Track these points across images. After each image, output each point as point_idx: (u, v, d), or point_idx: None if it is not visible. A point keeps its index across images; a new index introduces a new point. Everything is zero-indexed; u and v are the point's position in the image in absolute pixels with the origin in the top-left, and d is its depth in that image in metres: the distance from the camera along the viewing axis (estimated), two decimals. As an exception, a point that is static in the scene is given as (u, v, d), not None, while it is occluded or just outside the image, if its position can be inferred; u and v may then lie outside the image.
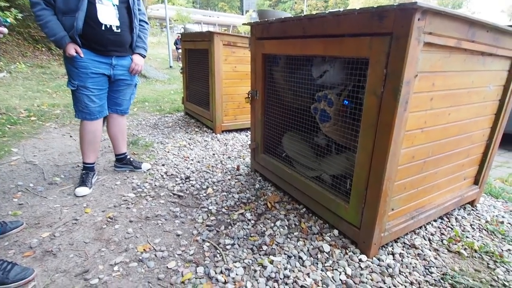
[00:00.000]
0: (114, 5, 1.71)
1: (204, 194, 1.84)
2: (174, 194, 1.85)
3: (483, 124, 1.56)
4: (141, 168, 2.15)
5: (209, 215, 1.61)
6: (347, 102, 1.43)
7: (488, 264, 1.31)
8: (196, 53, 3.28)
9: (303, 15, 1.35)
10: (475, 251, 1.40)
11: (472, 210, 1.76)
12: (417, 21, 0.94)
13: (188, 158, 2.42)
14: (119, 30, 1.74)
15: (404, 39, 0.97)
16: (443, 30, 1.04)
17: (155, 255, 1.29)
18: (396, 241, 1.40)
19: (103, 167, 2.19)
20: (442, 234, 1.51)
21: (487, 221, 1.65)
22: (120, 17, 1.74)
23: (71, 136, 2.79)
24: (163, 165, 2.27)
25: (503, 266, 1.30)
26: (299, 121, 1.72)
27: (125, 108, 2.02)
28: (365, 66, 1.17)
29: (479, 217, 1.69)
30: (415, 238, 1.44)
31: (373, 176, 1.17)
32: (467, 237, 1.49)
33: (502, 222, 1.65)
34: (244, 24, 1.87)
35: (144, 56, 1.95)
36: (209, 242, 1.38)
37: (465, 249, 1.41)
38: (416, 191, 1.38)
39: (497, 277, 1.23)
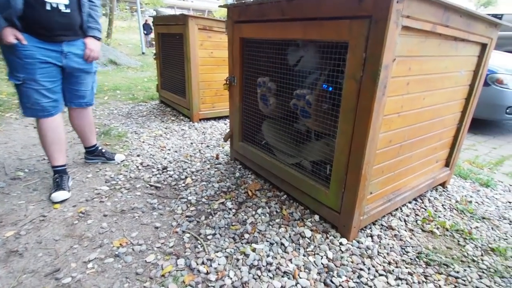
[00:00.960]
0: None
1: (183, 185, 1.79)
2: (151, 185, 1.78)
3: (454, 108, 1.61)
4: (114, 160, 2.04)
5: (189, 205, 1.57)
6: (326, 86, 1.42)
7: (458, 241, 1.38)
8: (170, 38, 3.13)
9: (281, -4, 1.30)
10: (447, 229, 1.47)
11: (443, 191, 1.85)
12: (395, 4, 0.93)
13: (165, 148, 2.34)
14: (68, 10, 1.47)
15: (383, 22, 0.96)
16: (420, 14, 1.04)
17: (133, 249, 1.24)
18: (374, 224, 1.44)
19: (72, 159, 2.07)
20: (417, 215, 1.57)
21: (457, 201, 1.73)
22: None
23: (35, 127, 2.60)
24: (138, 155, 2.17)
25: (472, 243, 1.37)
26: (279, 107, 1.70)
27: (90, 99, 1.80)
28: (344, 50, 1.15)
29: (449, 197, 1.77)
30: (391, 220, 1.49)
31: (352, 160, 1.18)
32: (439, 217, 1.56)
33: (470, 202, 1.74)
34: (220, 6, 1.79)
35: (99, 39, 1.69)
36: (189, 233, 1.35)
37: (437, 228, 1.47)
38: (392, 175, 1.41)
39: (467, 253, 1.30)
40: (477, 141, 3.00)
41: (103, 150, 2.04)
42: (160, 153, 2.22)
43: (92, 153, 2.00)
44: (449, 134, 1.71)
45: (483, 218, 1.59)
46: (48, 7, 1.40)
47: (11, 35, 1.35)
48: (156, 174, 1.91)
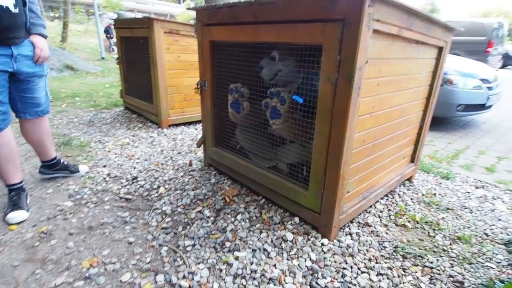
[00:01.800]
0: None
1: (156, 195, 1.71)
2: (120, 197, 1.67)
3: (417, 107, 1.72)
4: (79, 172, 1.89)
5: (164, 216, 1.49)
6: (296, 97, 1.43)
7: (429, 232, 1.46)
8: (133, 42, 3.00)
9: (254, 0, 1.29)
10: (417, 222, 1.55)
11: (410, 185, 1.95)
12: (367, 7, 0.96)
13: (133, 156, 2.22)
14: (16, 10, 1.32)
15: (356, 25, 0.98)
16: (388, 18, 1.08)
17: (105, 269, 1.14)
18: (352, 222, 1.48)
19: (29, 173, 1.88)
20: (389, 210, 1.63)
21: (423, 194, 1.84)
22: None
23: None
24: (104, 166, 2.03)
25: (440, 233, 1.46)
26: (251, 114, 1.69)
27: (46, 106, 1.62)
28: (318, 52, 1.17)
29: (416, 191, 1.88)
30: (367, 217, 1.53)
31: (331, 161, 1.20)
32: (409, 210, 1.65)
33: (434, 194, 1.86)
34: (189, 9, 1.74)
35: (46, 36, 1.52)
36: (166, 246, 1.28)
37: (409, 221, 1.55)
38: (367, 173, 1.46)
39: (437, 243, 1.38)
40: (434, 137, 3.23)
41: (65, 163, 1.87)
42: (129, 163, 2.10)
43: (53, 167, 1.81)
44: (413, 132, 1.81)
45: (448, 209, 1.70)
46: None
47: None
48: (125, 185, 1.80)
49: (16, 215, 1.40)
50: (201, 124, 3.12)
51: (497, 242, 1.43)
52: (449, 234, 1.46)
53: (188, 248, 1.26)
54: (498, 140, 3.20)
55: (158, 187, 1.79)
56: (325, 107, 1.15)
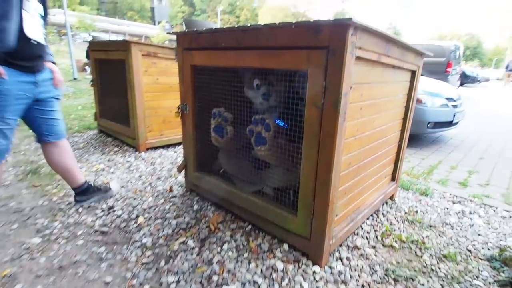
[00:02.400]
0: (40, 16, 1.39)
1: (135, 225, 1.60)
2: (95, 230, 1.55)
3: (395, 128, 1.77)
4: (112, 189, 1.89)
5: (144, 250, 1.39)
6: (279, 122, 1.43)
7: (416, 252, 1.47)
8: (109, 64, 2.91)
9: (236, 26, 1.30)
10: (404, 242, 1.56)
11: (392, 204, 1.98)
12: (350, 36, 0.99)
13: (109, 184, 2.09)
14: (45, 42, 1.44)
15: (340, 53, 1.00)
16: (368, 45, 1.12)
17: (79, 316, 1.03)
18: (341, 245, 1.45)
19: (-11, 208, 1.71)
20: (376, 230, 1.64)
21: (405, 212, 1.87)
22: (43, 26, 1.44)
23: None
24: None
25: (427, 252, 1.47)
26: (235, 138, 1.66)
27: (64, 129, 1.70)
28: (303, 78, 1.18)
29: (399, 209, 1.91)
30: (356, 239, 1.52)
31: (319, 185, 1.18)
32: (395, 230, 1.66)
33: (416, 212, 1.89)
34: (169, 33, 1.72)
35: (54, 63, 1.62)
36: (148, 284, 1.18)
37: (396, 241, 1.55)
38: (353, 195, 1.46)
39: (425, 263, 1.39)
40: (409, 154, 3.36)
41: (97, 184, 1.85)
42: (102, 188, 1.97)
43: (86, 192, 1.78)
44: (393, 151, 1.86)
45: (430, 226, 1.73)
46: (31, 42, 1.35)
47: None
48: (101, 216, 1.68)
49: None
50: (180, 146, 3.05)
51: (480, 258, 1.46)
52: (435, 253, 1.47)
53: (172, 286, 1.17)
54: (466, 155, 3.38)
55: (137, 216, 1.68)
56: (312, 131, 1.15)
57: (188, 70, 1.65)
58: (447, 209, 1.97)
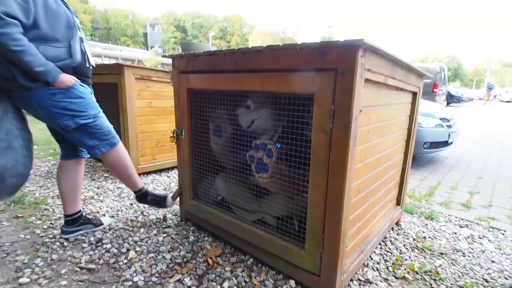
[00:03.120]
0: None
1: (125, 261, 1.46)
2: (81, 268, 1.40)
3: (399, 150, 1.72)
4: (103, 224, 1.76)
5: (136, 291, 1.25)
6: (279, 146, 1.37)
7: (431, 284, 1.37)
8: (101, 88, 2.83)
9: (236, 48, 1.25)
10: (416, 272, 1.45)
11: (399, 229, 1.89)
12: (360, 58, 0.94)
13: (98, 213, 1.95)
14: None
15: (350, 75, 0.95)
16: (377, 67, 1.08)
17: None
18: (352, 280, 1.34)
19: (-38, 245, 1.54)
20: (386, 261, 1.53)
21: (414, 239, 1.78)
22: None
23: None
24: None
25: (443, 284, 1.37)
26: (234, 160, 1.58)
27: None
28: (308, 101, 1.13)
29: (406, 235, 1.82)
30: (366, 272, 1.41)
31: (330, 215, 1.09)
32: (406, 259, 1.56)
33: (424, 238, 1.80)
34: (164, 56, 1.67)
35: None
36: (140, 333, 1.04)
37: (408, 272, 1.45)
38: (361, 223, 1.37)
39: (443, 297, 1.28)
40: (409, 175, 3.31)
41: (89, 216, 1.76)
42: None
43: (76, 222, 1.66)
44: (398, 175, 1.80)
45: (441, 254, 1.64)
46: (89, 66, 1.55)
47: (69, 77, 1.37)
48: (88, 251, 1.53)
49: None
50: (173, 171, 2.93)
51: (498, 289, 1.36)
52: (451, 284, 1.37)
53: (168, 335, 1.03)
54: (464, 175, 3.35)
55: (128, 250, 1.54)
56: (320, 157, 1.07)
57: (184, 93, 1.58)
58: (455, 233, 1.89)
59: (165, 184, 2.56)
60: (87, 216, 1.75)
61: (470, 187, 2.92)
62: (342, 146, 1.01)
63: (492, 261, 1.59)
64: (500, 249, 1.72)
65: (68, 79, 1.36)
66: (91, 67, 1.58)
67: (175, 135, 1.71)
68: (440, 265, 1.53)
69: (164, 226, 1.80)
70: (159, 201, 1.79)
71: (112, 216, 1.91)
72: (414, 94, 1.71)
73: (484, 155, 4.39)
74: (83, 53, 1.48)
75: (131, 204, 2.10)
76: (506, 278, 1.45)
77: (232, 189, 1.65)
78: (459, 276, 1.45)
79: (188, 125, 1.63)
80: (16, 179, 1.37)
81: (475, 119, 9.97)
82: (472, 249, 1.71)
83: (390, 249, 1.64)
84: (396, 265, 1.50)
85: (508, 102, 23.23)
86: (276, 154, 1.29)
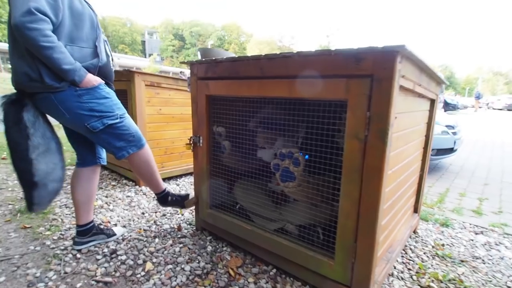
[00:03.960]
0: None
1: (142, 273, 1.41)
2: (97, 281, 1.35)
3: (418, 158, 1.71)
4: (116, 234, 1.71)
5: (159, 304, 1.21)
6: (307, 157, 1.35)
7: (458, 294, 1.35)
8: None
9: (262, 54, 1.24)
10: (441, 281, 1.43)
11: (416, 237, 1.87)
12: (398, 64, 0.93)
13: (109, 223, 1.90)
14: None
15: (387, 82, 0.94)
16: (409, 74, 1.08)
17: None
18: (380, 290, 1.31)
19: (-29, 258, 1.48)
20: (409, 269, 1.51)
21: (433, 246, 1.76)
22: None
23: None
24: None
25: (470, 293, 1.35)
26: (253, 167, 1.55)
27: None
28: (340, 108, 1.11)
29: (425, 243, 1.80)
30: (392, 281, 1.39)
31: (363, 225, 1.07)
32: (428, 267, 1.53)
33: (443, 245, 1.79)
34: (182, 62, 1.65)
35: None
36: None
37: (432, 281, 1.42)
38: (387, 232, 1.34)
39: (474, 307, 1.26)
40: (414, 181, 3.31)
41: (101, 226, 1.70)
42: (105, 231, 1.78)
43: (89, 232, 1.61)
44: (416, 182, 1.79)
45: (462, 261, 1.62)
46: (111, 66, 1.51)
47: (95, 77, 1.35)
48: (102, 263, 1.48)
49: None
50: (182, 179, 2.89)
51: (526, 298, 1.35)
52: (479, 294, 1.35)
53: None
54: (470, 181, 3.36)
55: (144, 262, 1.50)
56: (353, 165, 1.06)
57: (203, 100, 1.56)
58: (472, 240, 1.87)
59: (175, 191, 2.51)
60: (99, 226, 1.70)
61: (478, 193, 2.92)
62: (378, 154, 1.00)
63: (514, 269, 1.58)
64: (520, 256, 1.71)
65: (94, 78, 1.33)
66: (113, 70, 1.56)
67: (192, 142, 1.68)
68: (463, 273, 1.51)
69: (179, 236, 1.76)
70: (180, 201, 1.77)
71: (124, 226, 1.86)
72: (432, 101, 1.72)
73: (485, 162, 4.42)
74: (107, 55, 1.47)
75: (143, 213, 2.05)
76: (531, 286, 1.43)
77: (251, 197, 1.62)
78: (482, 284, 1.43)
79: (206, 133, 1.60)
80: (56, 184, 1.36)
81: (470, 126, 10.10)
82: (491, 256, 1.70)
83: (411, 257, 1.62)
84: (420, 273, 1.47)
85: (501, 109, 23.64)
86: (303, 163, 1.27)
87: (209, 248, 1.62)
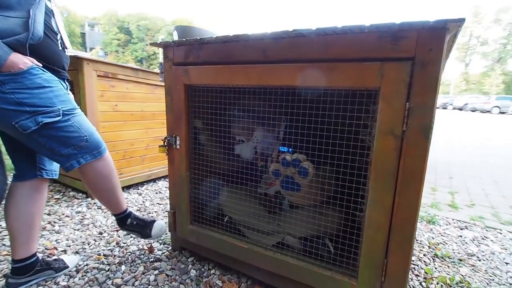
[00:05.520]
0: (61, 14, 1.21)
1: (109, 317, 1.07)
2: (45, 337, 0.98)
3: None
4: (68, 266, 1.32)
5: None
6: (290, 150, 1.16)
7: (472, 299, 1.26)
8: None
9: (267, 32, 0.99)
10: (449, 285, 1.34)
11: (409, 237, 1.79)
12: (446, 42, 0.77)
13: (56, 250, 1.48)
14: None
15: (433, 66, 0.77)
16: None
17: None
18: (400, 307, 1.16)
19: None
20: (417, 275, 1.40)
21: (429, 246, 1.69)
22: None
23: None
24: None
25: (483, 297, 1.28)
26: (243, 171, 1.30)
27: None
28: (367, 98, 0.92)
29: (420, 243, 1.73)
30: (408, 293, 1.25)
31: (396, 238, 0.89)
32: (434, 271, 1.44)
33: (438, 244, 1.73)
34: (153, 44, 1.32)
35: None
36: None
37: (442, 286, 1.33)
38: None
39: (494, 314, 1.18)
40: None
41: (47, 259, 1.29)
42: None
43: (29, 270, 1.19)
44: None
45: (460, 260, 1.57)
46: (59, 42, 1.14)
47: (24, 58, 0.96)
48: (50, 309, 1.10)
49: None
50: (145, 187, 2.50)
51: (530, 295, 1.32)
52: (490, 296, 1.28)
53: None
54: (437, 175, 3.51)
55: (110, 300, 1.16)
56: (386, 168, 0.87)
57: (181, 92, 1.26)
58: (461, 236, 1.86)
59: (137, 203, 2.13)
60: (46, 258, 1.29)
61: (447, 187, 3.03)
62: (420, 153, 0.83)
63: (506, 263, 1.57)
64: (506, 249, 1.72)
65: (22, 60, 0.95)
66: (66, 55, 1.19)
67: (166, 144, 1.37)
68: (466, 273, 1.44)
69: (152, 259, 1.43)
70: (143, 227, 1.42)
71: (77, 252, 1.47)
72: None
73: (442, 157, 4.72)
74: (52, 31, 1.09)
75: (100, 233, 1.66)
76: (530, 281, 1.41)
77: (241, 207, 1.36)
78: (487, 283, 1.38)
79: (185, 132, 1.30)
80: None
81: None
82: (483, 251, 1.68)
83: (413, 260, 1.52)
84: (428, 279, 1.37)
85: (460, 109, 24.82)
86: (312, 173, 1.05)
87: (193, 273, 1.33)
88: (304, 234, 1.20)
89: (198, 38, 1.14)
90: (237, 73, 1.10)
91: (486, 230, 1.97)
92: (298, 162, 1.08)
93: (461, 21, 0.72)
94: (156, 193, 2.38)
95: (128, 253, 1.47)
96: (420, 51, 0.78)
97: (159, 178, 2.74)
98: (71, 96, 1.18)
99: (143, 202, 2.16)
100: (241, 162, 1.45)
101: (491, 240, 1.83)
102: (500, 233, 1.93)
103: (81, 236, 1.62)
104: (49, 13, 1.08)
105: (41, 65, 1.02)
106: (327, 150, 1.01)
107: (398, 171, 0.86)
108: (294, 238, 1.25)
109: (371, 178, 0.90)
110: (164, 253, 1.48)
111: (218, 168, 1.40)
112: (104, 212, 1.93)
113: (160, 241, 1.59)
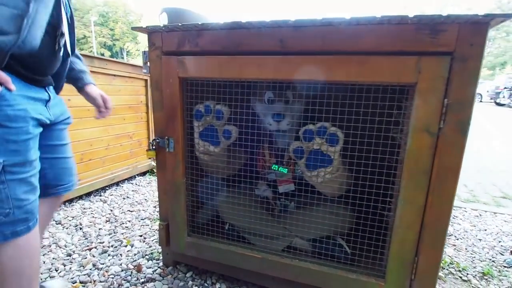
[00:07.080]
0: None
1: None
2: None
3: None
4: None
5: None
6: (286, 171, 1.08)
7: (461, 277, 1.35)
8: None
9: (287, 20, 0.87)
10: (443, 268, 1.43)
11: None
12: (486, 38, 0.75)
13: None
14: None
15: (474, 62, 0.75)
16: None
17: None
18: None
19: None
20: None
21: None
22: None
23: None
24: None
25: (468, 274, 1.37)
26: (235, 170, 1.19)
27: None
28: (400, 94, 0.88)
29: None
30: None
31: (428, 237, 0.88)
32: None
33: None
34: (134, 29, 1.09)
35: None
36: None
37: (459, 271, 1.41)
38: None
39: (478, 287, 1.28)
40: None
41: None
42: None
43: None
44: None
45: (441, 241, 1.69)
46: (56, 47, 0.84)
47: None
48: None
49: None
50: (108, 192, 2.20)
51: (505, 266, 1.46)
52: (475, 273, 1.39)
53: None
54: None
55: (102, 338, 0.97)
56: (420, 166, 0.85)
57: (176, 86, 1.08)
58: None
59: (105, 213, 1.86)
60: None
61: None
62: (456, 151, 0.81)
63: (479, 239, 1.73)
64: (475, 226, 1.91)
65: None
66: (66, 63, 0.97)
67: (154, 147, 1.18)
68: (452, 254, 1.56)
69: (143, 280, 1.24)
70: None
71: (46, 279, 1.21)
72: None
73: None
74: (55, 30, 0.81)
75: (69, 255, 1.40)
76: (501, 254, 1.58)
77: (242, 212, 1.25)
78: (472, 261, 1.50)
79: (181, 133, 1.13)
80: None
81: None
82: (458, 230, 1.84)
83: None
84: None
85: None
86: (342, 138, 0.96)
87: (195, 290, 1.19)
88: (319, 235, 1.14)
89: (196, 23, 0.97)
90: (247, 64, 0.97)
91: (454, 209, 2.17)
92: (325, 129, 0.97)
93: (506, 16, 0.70)
94: (123, 198, 2.12)
95: (111, 276, 1.26)
96: (460, 46, 0.75)
97: (123, 181, 2.45)
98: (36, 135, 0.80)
99: (111, 211, 1.89)
100: (250, 160, 1.33)
101: (460, 219, 2.01)
102: (466, 211, 2.14)
103: (44, 262, 1.34)
104: (62, 7, 0.79)
105: (14, 88, 0.70)
106: (353, 149, 0.96)
107: (432, 169, 0.84)
108: (302, 240, 1.18)
109: (404, 176, 0.87)
110: (155, 270, 1.30)
111: (225, 170, 1.25)
112: (66, 228, 1.64)
113: (147, 257, 1.40)
